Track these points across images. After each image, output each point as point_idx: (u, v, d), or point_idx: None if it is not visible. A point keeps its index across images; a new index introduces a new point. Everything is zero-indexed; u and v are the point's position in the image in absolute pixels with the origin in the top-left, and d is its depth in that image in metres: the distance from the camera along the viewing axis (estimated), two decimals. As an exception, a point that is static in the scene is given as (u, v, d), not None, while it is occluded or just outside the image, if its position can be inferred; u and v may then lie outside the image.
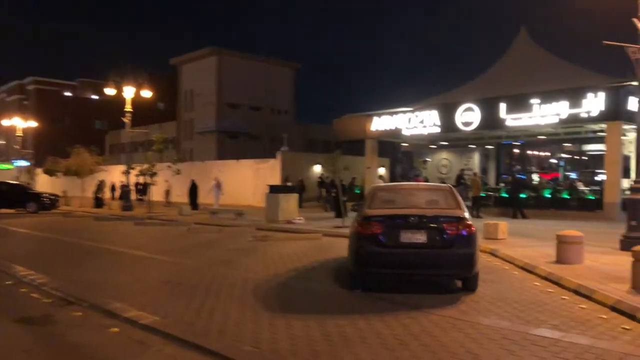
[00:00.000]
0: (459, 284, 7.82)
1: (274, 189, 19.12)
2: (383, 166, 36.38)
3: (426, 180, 23.97)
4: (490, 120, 21.80)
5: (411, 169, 29.56)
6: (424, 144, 29.23)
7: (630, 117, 18.79)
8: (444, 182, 25.14)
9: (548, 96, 19.95)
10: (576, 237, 9.30)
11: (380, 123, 25.94)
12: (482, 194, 20.75)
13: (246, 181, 32.26)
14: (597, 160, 25.02)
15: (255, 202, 30.71)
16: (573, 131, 23.72)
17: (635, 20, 10.55)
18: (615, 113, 18.34)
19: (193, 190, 27.69)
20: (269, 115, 55.66)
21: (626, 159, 19.77)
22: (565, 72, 24.68)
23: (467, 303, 6.96)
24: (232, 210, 21.75)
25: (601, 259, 9.67)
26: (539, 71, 25.23)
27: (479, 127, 22.28)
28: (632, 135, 21.67)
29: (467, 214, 7.40)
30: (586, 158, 24.88)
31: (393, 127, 25.42)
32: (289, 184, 24.74)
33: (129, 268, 10.14)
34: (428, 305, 6.84)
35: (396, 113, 25.35)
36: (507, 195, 21.53)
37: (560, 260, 9.33)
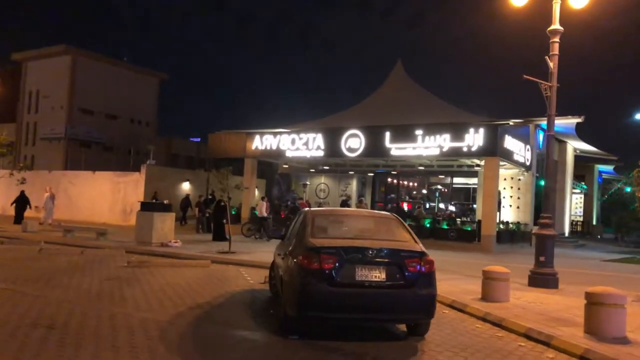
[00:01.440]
0: (403, 327, 6.88)
1: (146, 207, 16.82)
2: (257, 187, 35.14)
3: (309, 205, 23.22)
4: (375, 148, 21.78)
5: (288, 192, 28.70)
6: (304, 167, 28.61)
7: (504, 154, 19.97)
8: (320, 206, 24.69)
9: (432, 128, 20.44)
10: (502, 273, 8.92)
11: (262, 142, 24.75)
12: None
13: (103, 196, 28.76)
14: (465, 193, 26.44)
15: (113, 220, 27.45)
16: (445, 164, 24.75)
17: (547, 58, 10.80)
18: (493, 149, 19.27)
19: (21, 202, 23.74)
20: (128, 126, 51.41)
21: (498, 193, 20.90)
22: (435, 105, 25.85)
23: (429, 353, 5.98)
24: (90, 229, 18.81)
25: (523, 296, 9.42)
26: (413, 104, 26.18)
27: (364, 154, 22.16)
28: (503, 172, 23.17)
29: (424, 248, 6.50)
30: (455, 190, 26.15)
31: (275, 148, 24.36)
32: (159, 200, 22.31)
33: (-29, 305, 7.62)
34: (388, 357, 5.74)
35: (280, 133, 24.37)
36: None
37: (486, 297, 8.86)
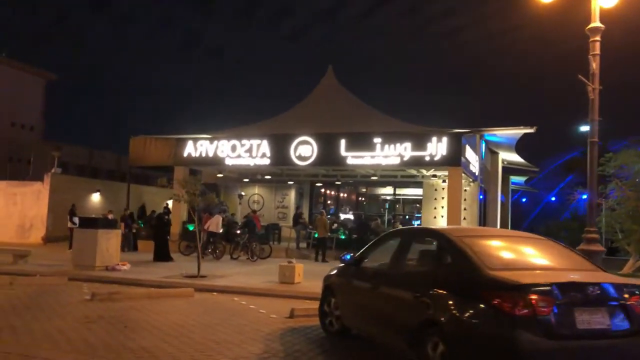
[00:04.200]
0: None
1: (87, 223, 13.75)
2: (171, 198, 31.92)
3: (258, 219, 21.02)
4: (329, 157, 20.26)
5: (217, 204, 26.08)
6: (235, 177, 26.25)
7: (465, 165, 19.47)
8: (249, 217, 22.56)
9: (392, 137, 19.41)
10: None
11: (196, 148, 22.12)
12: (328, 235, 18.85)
13: (-7, 210, 24.13)
14: (409, 204, 25.84)
15: (8, 237, 23.08)
16: (389, 174, 23.96)
17: (590, 57, 10.08)
18: (457, 159, 18.66)
19: None
20: (8, 130, 44.86)
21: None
22: (368, 114, 24.85)
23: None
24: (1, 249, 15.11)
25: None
26: (345, 112, 24.99)
27: (316, 163, 20.55)
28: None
29: None
30: (399, 202, 25.50)
31: (212, 155, 21.88)
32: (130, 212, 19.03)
33: None
34: None
35: (218, 139, 21.94)
36: (344, 237, 20.13)
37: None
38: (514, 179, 38.42)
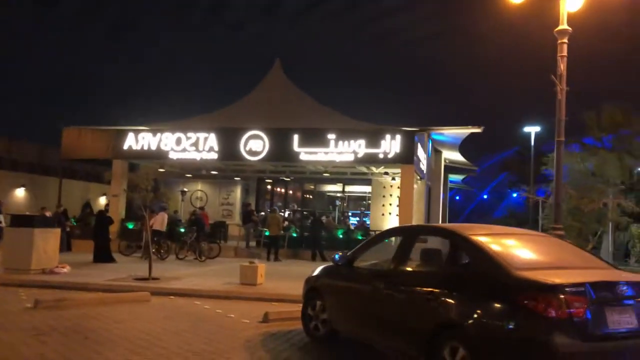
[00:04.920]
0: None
1: (20, 221, 12.46)
2: (105, 194, 30.22)
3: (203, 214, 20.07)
4: (281, 152, 19.74)
5: (155, 202, 24.82)
6: (177, 172, 25.10)
7: (416, 162, 19.56)
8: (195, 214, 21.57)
9: (346, 133, 19.15)
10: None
11: (138, 141, 20.89)
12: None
13: None
14: (357, 201, 25.75)
15: None
16: (339, 171, 23.78)
17: (559, 58, 10.19)
18: (410, 156, 18.69)
19: None
20: None
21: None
22: (317, 109, 24.54)
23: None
24: None
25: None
26: (291, 105, 24.52)
27: (268, 158, 19.94)
28: (398, 180, 22.86)
29: None
30: (348, 199, 25.35)
31: (155, 148, 20.73)
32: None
33: None
34: None
35: (161, 131, 20.81)
36: (295, 235, 19.67)
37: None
38: (452, 177, 39.46)
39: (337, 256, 6.66)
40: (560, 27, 10.15)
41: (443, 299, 4.69)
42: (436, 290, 4.80)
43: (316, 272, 7.16)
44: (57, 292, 10.18)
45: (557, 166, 10.25)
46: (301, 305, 7.13)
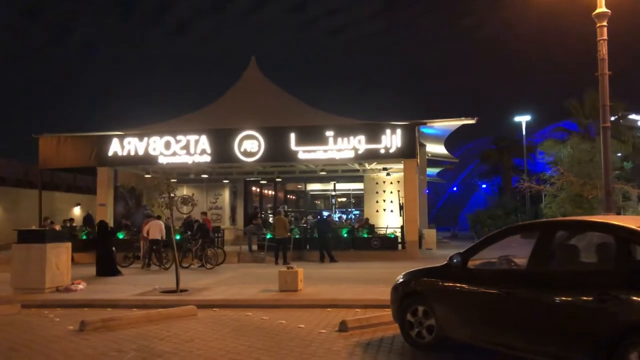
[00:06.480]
0: None
1: (30, 236, 11.35)
2: (79, 204, 28.69)
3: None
4: (278, 152, 19.15)
5: (139, 209, 23.71)
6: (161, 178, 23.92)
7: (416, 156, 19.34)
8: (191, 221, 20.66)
9: (345, 129, 18.77)
10: None
11: (124, 146, 19.78)
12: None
13: None
14: (350, 199, 25.33)
15: None
16: (331, 169, 23.35)
17: (599, 42, 10.09)
18: (412, 150, 18.50)
19: None
20: None
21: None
22: (296, 106, 24.00)
23: None
24: None
25: None
26: (269, 103, 23.86)
27: (264, 159, 19.30)
28: (393, 175, 22.64)
29: None
30: (339, 196, 24.90)
31: (142, 153, 19.70)
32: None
33: None
34: None
35: (149, 134, 19.78)
36: (298, 237, 19.08)
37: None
38: (429, 170, 39.71)
39: (454, 257, 6.02)
40: (598, 10, 10.07)
41: (629, 298, 4.32)
42: (615, 290, 4.42)
43: (408, 276, 6.68)
44: (85, 311, 9.30)
45: (605, 153, 10.12)
46: (361, 309, 6.58)
